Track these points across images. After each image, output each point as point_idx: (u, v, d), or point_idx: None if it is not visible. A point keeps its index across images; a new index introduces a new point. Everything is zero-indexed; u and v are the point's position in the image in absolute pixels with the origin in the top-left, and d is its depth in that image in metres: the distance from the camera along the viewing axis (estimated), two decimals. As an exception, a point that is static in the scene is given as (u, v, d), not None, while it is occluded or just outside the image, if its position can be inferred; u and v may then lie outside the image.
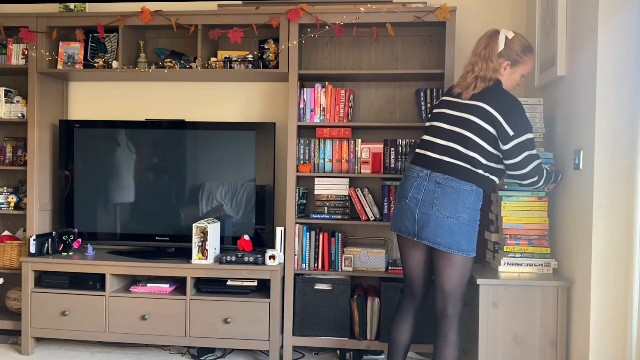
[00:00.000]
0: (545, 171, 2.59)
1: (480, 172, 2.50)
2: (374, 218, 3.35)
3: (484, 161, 2.50)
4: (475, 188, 2.50)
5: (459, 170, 2.48)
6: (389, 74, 3.40)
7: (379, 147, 3.41)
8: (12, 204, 3.71)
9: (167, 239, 3.58)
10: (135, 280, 3.59)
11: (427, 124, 2.67)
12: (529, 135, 2.50)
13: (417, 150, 2.64)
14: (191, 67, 3.50)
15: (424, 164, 2.56)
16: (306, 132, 3.56)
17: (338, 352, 3.42)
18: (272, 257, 3.32)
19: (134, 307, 3.36)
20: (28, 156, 3.59)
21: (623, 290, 2.38)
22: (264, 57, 3.49)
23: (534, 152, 2.52)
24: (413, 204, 2.52)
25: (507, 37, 2.57)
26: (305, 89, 3.45)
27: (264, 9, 3.42)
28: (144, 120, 3.67)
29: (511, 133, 2.46)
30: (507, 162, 2.52)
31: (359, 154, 3.43)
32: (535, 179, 2.55)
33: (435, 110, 2.67)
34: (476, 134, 2.48)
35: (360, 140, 3.43)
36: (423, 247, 2.59)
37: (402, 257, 2.70)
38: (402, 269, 2.77)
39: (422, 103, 3.34)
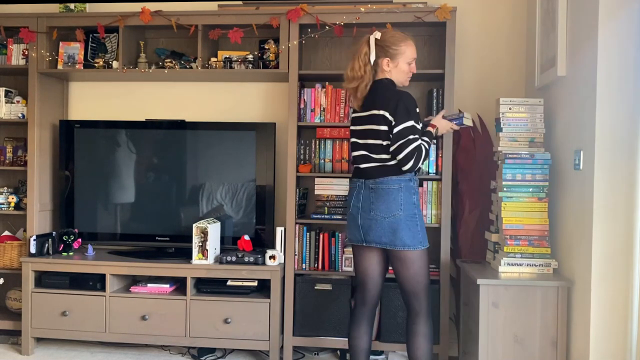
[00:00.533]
0: (423, 151, 2.56)
1: (394, 162, 2.57)
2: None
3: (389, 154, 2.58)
4: (403, 184, 2.56)
5: (380, 171, 2.59)
6: (389, 74, 3.40)
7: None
8: (12, 204, 3.71)
9: (167, 239, 3.58)
10: (135, 280, 3.59)
11: (351, 140, 2.78)
12: (409, 122, 2.53)
13: (353, 165, 2.78)
14: (191, 67, 3.50)
15: (357, 174, 2.69)
16: (306, 132, 3.56)
17: (338, 352, 3.43)
18: (272, 257, 3.32)
19: (134, 307, 3.36)
20: (28, 156, 3.59)
21: (623, 290, 2.38)
22: (264, 57, 3.50)
23: (411, 137, 2.52)
24: (354, 211, 2.66)
25: (376, 39, 2.65)
26: (305, 89, 3.45)
27: (264, 9, 3.42)
28: (144, 120, 3.68)
29: (393, 123, 2.54)
30: (390, 149, 2.56)
31: (359, 154, 3.42)
32: (410, 163, 2.52)
33: (351, 128, 2.77)
34: (377, 138, 2.59)
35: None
36: (373, 251, 2.67)
37: (355, 263, 2.78)
38: (355, 274, 2.83)
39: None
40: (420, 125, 2.63)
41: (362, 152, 2.66)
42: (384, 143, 2.58)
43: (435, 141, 2.71)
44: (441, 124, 2.76)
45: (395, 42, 2.64)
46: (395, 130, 2.53)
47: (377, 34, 2.66)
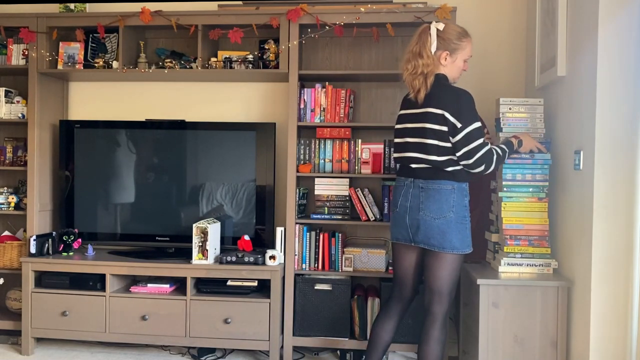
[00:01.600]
0: (494, 156, 2.55)
1: (451, 169, 2.53)
2: (374, 218, 3.35)
3: (448, 158, 2.52)
4: (456, 185, 2.53)
5: (434, 173, 2.54)
6: (389, 73, 3.39)
7: (379, 147, 3.41)
8: (12, 204, 3.71)
9: (167, 239, 3.58)
10: (135, 280, 3.59)
11: (396, 140, 2.73)
12: (476, 125, 2.50)
13: (398, 164, 2.73)
14: (191, 67, 3.50)
15: (406, 173, 2.64)
16: (306, 132, 3.56)
17: (338, 352, 3.42)
18: (272, 257, 3.32)
19: (134, 307, 3.36)
20: (28, 156, 3.59)
21: (623, 290, 2.38)
22: (264, 57, 3.49)
23: (481, 140, 2.50)
24: (402, 211, 2.61)
25: (438, 30, 2.58)
26: (305, 89, 3.45)
27: (264, 9, 3.42)
28: (144, 120, 3.68)
29: (458, 125, 2.48)
30: (457, 154, 2.52)
31: (359, 154, 3.43)
32: (482, 167, 2.51)
33: (397, 126, 2.72)
34: (434, 138, 2.52)
35: (360, 140, 3.43)
36: (416, 250, 2.64)
37: (395, 260, 2.75)
38: (393, 270, 2.82)
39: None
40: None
41: (413, 153, 2.58)
42: (441, 144, 2.51)
43: (510, 155, 2.69)
44: (527, 138, 2.73)
45: (457, 37, 2.59)
46: (463, 133, 2.46)
47: (440, 25, 2.58)
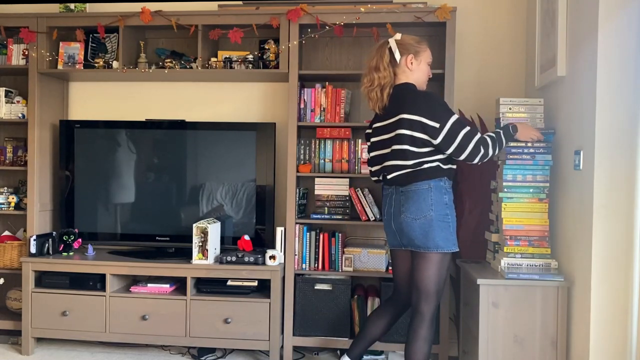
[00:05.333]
0: (489, 140, 2.57)
1: (426, 166, 2.55)
2: (374, 218, 3.35)
3: (427, 159, 2.55)
4: (433, 184, 2.54)
5: (412, 176, 2.56)
6: (389, 74, 3.39)
7: (379, 147, 3.41)
8: (12, 204, 3.71)
9: (167, 239, 3.58)
10: (135, 280, 3.59)
11: (369, 155, 2.79)
12: (453, 118, 2.51)
13: (374, 177, 2.79)
14: (191, 67, 3.50)
15: (387, 182, 2.67)
16: (306, 132, 3.56)
17: (338, 352, 3.42)
18: (272, 257, 3.32)
19: (134, 307, 3.36)
20: (28, 156, 3.59)
21: (623, 290, 2.38)
22: (264, 57, 3.50)
23: (466, 130, 2.51)
24: (388, 217, 2.68)
25: (396, 40, 2.65)
26: (305, 89, 3.45)
27: (264, 9, 3.42)
28: (144, 120, 3.68)
29: (437, 125, 2.50)
30: (447, 153, 2.55)
31: (359, 154, 3.43)
32: (479, 156, 2.53)
33: (373, 139, 2.76)
34: (408, 144, 2.55)
35: (360, 140, 3.43)
36: (407, 254, 2.69)
37: (392, 265, 2.83)
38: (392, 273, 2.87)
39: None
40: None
41: (390, 162, 2.61)
42: (416, 150, 2.54)
43: (507, 143, 2.69)
44: (523, 125, 2.73)
45: (416, 41, 2.67)
46: (444, 131, 2.48)
47: (397, 36, 2.66)
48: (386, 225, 2.71)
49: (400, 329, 3.19)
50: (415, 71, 2.65)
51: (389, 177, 2.62)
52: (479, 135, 2.55)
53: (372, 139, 2.76)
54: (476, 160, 2.56)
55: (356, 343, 2.83)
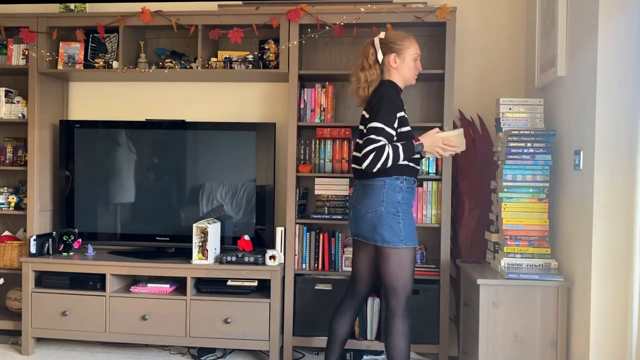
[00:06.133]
0: (384, 155, 2.49)
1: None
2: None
3: None
4: (388, 181, 2.58)
5: (363, 172, 2.60)
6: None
7: (379, 147, 3.41)
8: (12, 204, 3.71)
9: (167, 239, 3.58)
10: (135, 280, 3.59)
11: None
12: (378, 123, 2.52)
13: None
14: (191, 67, 3.50)
15: (355, 175, 2.75)
16: (306, 132, 3.56)
17: (338, 352, 3.42)
18: (272, 257, 3.32)
19: (134, 307, 3.36)
20: (28, 156, 3.59)
21: (623, 290, 2.38)
22: (264, 57, 3.49)
23: (376, 138, 2.50)
24: (350, 206, 2.75)
25: (380, 39, 2.70)
26: (305, 89, 3.45)
27: (264, 9, 3.42)
28: (144, 120, 3.68)
29: (367, 117, 2.59)
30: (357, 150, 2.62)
31: (359, 154, 3.42)
32: (367, 162, 2.50)
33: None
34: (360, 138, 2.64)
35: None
36: (365, 247, 2.72)
37: (353, 254, 2.86)
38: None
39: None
40: (394, 128, 2.55)
41: (356, 152, 2.69)
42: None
43: (418, 155, 2.62)
44: (428, 140, 2.63)
45: (399, 39, 2.69)
46: (367, 127, 2.57)
47: (382, 34, 2.71)
48: (349, 215, 2.77)
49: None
50: (400, 68, 2.69)
51: (355, 167, 2.71)
52: (379, 144, 2.48)
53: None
54: (364, 165, 2.51)
55: (330, 351, 2.81)
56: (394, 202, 2.59)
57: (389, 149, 2.51)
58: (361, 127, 2.69)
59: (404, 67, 2.69)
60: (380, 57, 2.67)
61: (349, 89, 2.81)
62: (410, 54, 2.69)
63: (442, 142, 2.63)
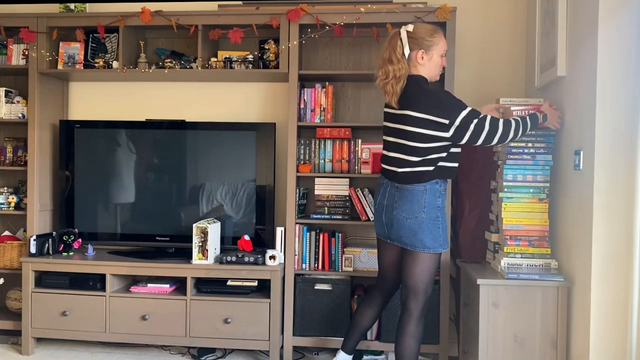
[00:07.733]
0: (507, 124, 2.55)
1: (431, 168, 2.55)
2: (374, 218, 3.35)
3: (432, 156, 2.55)
4: (429, 187, 2.55)
5: (410, 176, 2.57)
6: (389, 74, 3.39)
7: (379, 147, 3.39)
8: (12, 204, 3.71)
9: (167, 239, 3.58)
10: (135, 280, 3.59)
11: (383, 137, 2.76)
12: (464, 112, 2.50)
13: (382, 163, 2.76)
14: (191, 67, 3.50)
15: (385, 174, 2.69)
16: (306, 132, 3.56)
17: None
18: (272, 257, 3.32)
19: (134, 307, 3.36)
20: (28, 156, 3.59)
21: (623, 290, 2.38)
22: (264, 57, 3.50)
23: (477, 120, 2.50)
24: (380, 208, 2.70)
25: (408, 32, 2.60)
26: (305, 89, 3.45)
27: (264, 9, 3.42)
28: (144, 120, 3.68)
29: (447, 122, 2.49)
30: (461, 144, 2.57)
31: (359, 154, 3.43)
32: (497, 137, 2.52)
33: (384, 124, 2.74)
34: (413, 140, 2.55)
35: (360, 140, 3.43)
36: (394, 247, 2.70)
37: (378, 254, 2.84)
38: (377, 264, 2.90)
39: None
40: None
41: (393, 153, 2.63)
42: (419, 145, 2.54)
43: (532, 131, 2.66)
44: (550, 112, 2.70)
45: (429, 34, 2.59)
46: (455, 125, 2.48)
47: (409, 27, 2.60)
48: (377, 215, 2.72)
49: (400, 329, 3.19)
50: (427, 65, 2.61)
51: (391, 168, 2.63)
52: (489, 118, 2.52)
53: (385, 123, 2.73)
54: (494, 143, 2.54)
55: (349, 336, 2.89)
56: (434, 207, 2.56)
57: (507, 121, 2.54)
58: (398, 125, 2.59)
59: (431, 65, 2.61)
60: (407, 52, 2.57)
61: (375, 84, 2.68)
62: (438, 50, 2.61)
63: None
